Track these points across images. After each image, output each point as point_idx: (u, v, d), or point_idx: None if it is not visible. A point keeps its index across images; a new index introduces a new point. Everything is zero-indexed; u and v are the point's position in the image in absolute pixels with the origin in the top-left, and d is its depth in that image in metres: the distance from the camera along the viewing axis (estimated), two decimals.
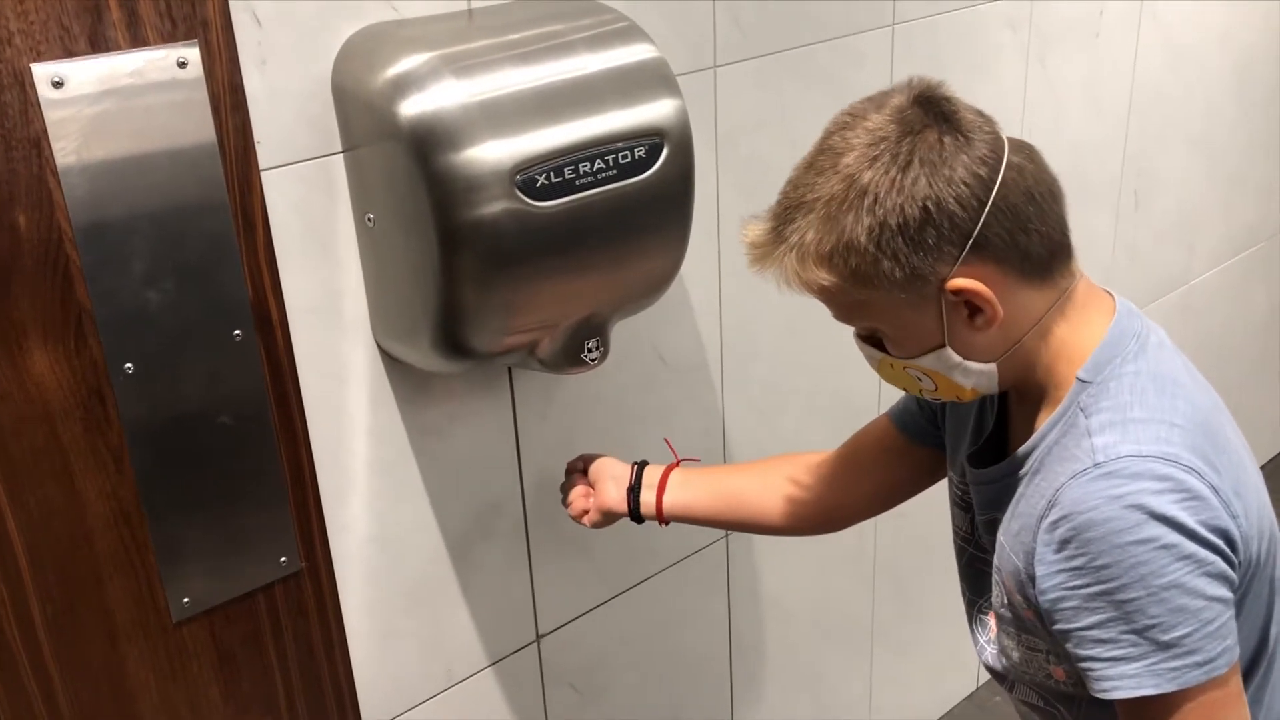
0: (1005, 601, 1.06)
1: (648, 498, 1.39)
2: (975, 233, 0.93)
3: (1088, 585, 0.92)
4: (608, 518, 1.41)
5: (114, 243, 1.08)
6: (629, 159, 1.19)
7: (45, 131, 1.02)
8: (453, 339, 1.20)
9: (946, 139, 0.93)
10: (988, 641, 1.16)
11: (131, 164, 1.07)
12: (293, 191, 1.19)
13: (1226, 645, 0.92)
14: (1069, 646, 0.95)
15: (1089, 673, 0.94)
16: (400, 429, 1.36)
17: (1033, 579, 0.98)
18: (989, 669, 1.17)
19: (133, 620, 1.20)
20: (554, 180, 1.14)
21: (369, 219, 1.21)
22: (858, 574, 2.12)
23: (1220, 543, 0.92)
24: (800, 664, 2.06)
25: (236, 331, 1.18)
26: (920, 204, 0.92)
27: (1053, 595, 0.95)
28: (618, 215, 1.20)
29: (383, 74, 1.12)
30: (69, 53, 1.02)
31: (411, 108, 1.10)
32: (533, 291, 1.20)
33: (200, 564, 1.23)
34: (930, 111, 0.94)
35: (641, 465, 1.41)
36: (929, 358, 1.01)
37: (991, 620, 1.14)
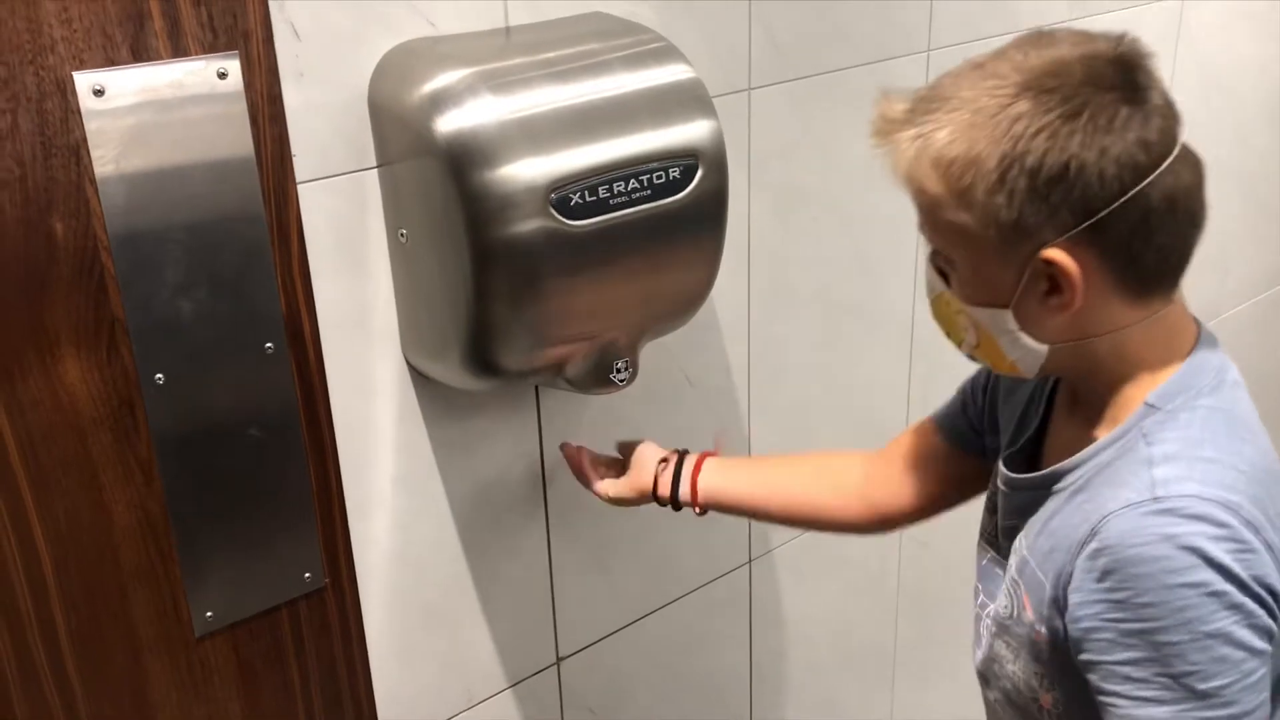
0: (1014, 615, 1.03)
1: (684, 481, 1.35)
2: (1100, 214, 0.88)
3: (1126, 620, 0.89)
4: (634, 497, 1.37)
5: (149, 252, 1.08)
6: (663, 179, 1.19)
7: (85, 140, 1.02)
8: (483, 357, 1.20)
9: (1124, 109, 0.87)
10: (987, 644, 1.12)
11: (169, 174, 1.07)
12: (327, 205, 1.19)
13: (1262, 699, 0.90)
14: (1093, 678, 0.92)
15: (1113, 709, 0.91)
16: (427, 446, 1.36)
17: (1060, 603, 0.95)
18: (979, 673, 1.14)
19: (156, 634, 1.20)
20: (588, 199, 1.14)
21: (402, 234, 1.21)
22: (880, 601, 2.10)
23: (1268, 597, 0.89)
24: (821, 691, 2.04)
25: (268, 344, 1.17)
26: (1064, 158, 0.86)
27: (1086, 624, 0.92)
28: (651, 235, 1.20)
29: (419, 89, 1.12)
30: (111, 61, 1.02)
31: (448, 124, 1.10)
32: (564, 310, 1.19)
33: (224, 578, 1.22)
34: (1123, 74, 0.88)
35: (683, 452, 1.38)
36: (986, 312, 0.96)
37: (994, 624, 1.10)
